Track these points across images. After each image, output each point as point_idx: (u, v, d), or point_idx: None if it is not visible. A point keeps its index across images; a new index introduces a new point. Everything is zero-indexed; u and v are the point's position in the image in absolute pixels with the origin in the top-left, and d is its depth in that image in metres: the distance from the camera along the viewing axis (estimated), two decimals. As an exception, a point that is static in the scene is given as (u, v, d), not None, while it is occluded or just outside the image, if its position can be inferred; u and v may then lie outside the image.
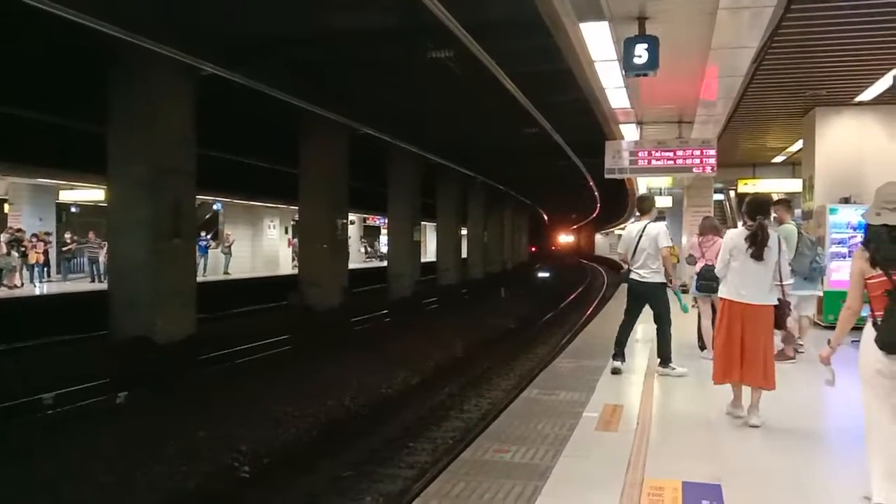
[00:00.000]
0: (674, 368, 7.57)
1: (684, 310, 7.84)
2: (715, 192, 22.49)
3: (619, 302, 18.16)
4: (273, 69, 13.80)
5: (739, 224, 7.11)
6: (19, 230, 20.31)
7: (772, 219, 8.56)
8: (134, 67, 11.78)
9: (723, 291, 5.84)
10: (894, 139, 11.52)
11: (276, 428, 9.19)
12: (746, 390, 5.75)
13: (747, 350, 5.56)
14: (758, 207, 5.85)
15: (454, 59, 12.26)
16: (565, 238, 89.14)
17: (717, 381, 5.81)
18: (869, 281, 3.80)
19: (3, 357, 13.27)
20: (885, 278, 3.71)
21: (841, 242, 10.90)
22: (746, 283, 5.65)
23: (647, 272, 7.50)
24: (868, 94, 10.71)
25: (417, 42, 12.03)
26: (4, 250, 18.82)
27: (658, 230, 7.50)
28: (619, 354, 7.81)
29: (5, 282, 18.72)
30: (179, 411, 9.68)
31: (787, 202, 9.13)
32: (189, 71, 12.22)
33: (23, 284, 19.17)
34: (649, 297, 7.61)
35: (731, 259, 5.74)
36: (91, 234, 21.68)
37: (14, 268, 19.04)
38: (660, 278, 7.52)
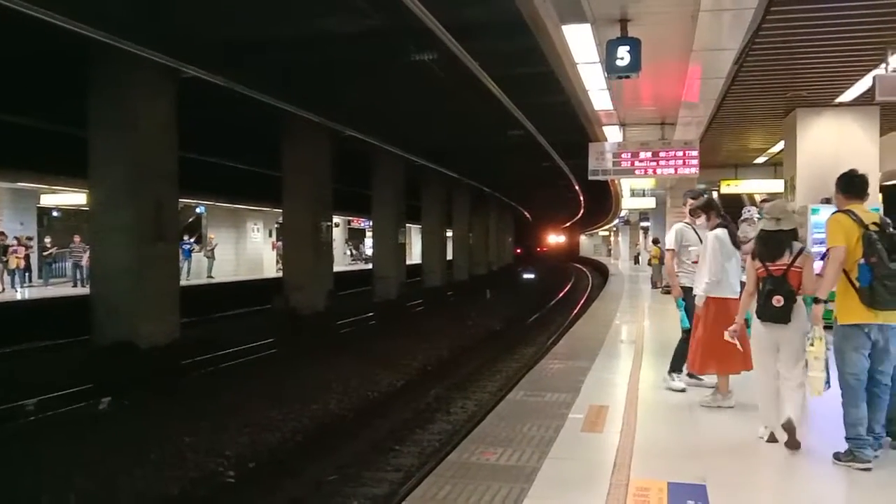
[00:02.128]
0: (673, 379, 6.95)
1: (683, 324, 6.92)
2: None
3: (604, 303, 18.25)
4: (255, 72, 13.75)
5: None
6: (1, 234, 20.10)
7: (755, 219, 8.65)
8: (114, 70, 11.70)
9: (717, 291, 6.10)
10: (874, 140, 11.62)
11: (261, 432, 9.13)
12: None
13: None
14: (719, 206, 6.59)
15: (437, 61, 12.27)
16: (550, 239, 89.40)
17: (701, 372, 6.50)
18: (756, 269, 5.02)
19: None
20: (762, 268, 4.96)
21: (822, 242, 10.97)
22: (735, 279, 6.17)
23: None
24: (848, 96, 10.79)
25: (400, 45, 12.02)
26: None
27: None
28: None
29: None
30: (163, 416, 9.60)
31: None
32: (170, 73, 12.15)
33: (3, 290, 18.97)
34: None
35: (723, 262, 6.13)
36: (76, 238, 21.39)
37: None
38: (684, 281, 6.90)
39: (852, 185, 4.85)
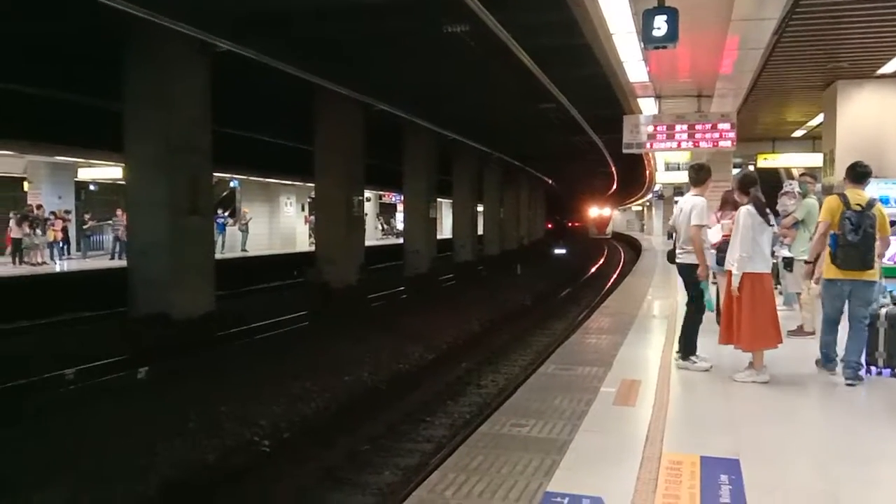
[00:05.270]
0: (694, 362, 6.71)
1: (709, 307, 6.94)
2: (734, 166, 22.29)
3: (637, 278, 18.13)
4: (288, 45, 13.74)
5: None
6: (39, 206, 20.49)
7: (796, 193, 8.50)
8: (148, 44, 11.78)
9: (751, 266, 6.08)
10: (917, 112, 11.36)
11: (295, 403, 9.26)
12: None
13: (770, 316, 6.13)
14: (751, 182, 6.67)
15: (470, 33, 12.14)
16: (582, 214, 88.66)
17: (738, 346, 6.35)
18: None
19: (23, 334, 13.48)
20: None
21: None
22: (767, 253, 6.24)
23: (680, 251, 6.83)
24: (890, 67, 10.54)
25: (433, 16, 11.91)
26: (27, 230, 19.02)
27: (692, 204, 6.64)
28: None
29: (27, 259, 18.94)
30: (199, 386, 9.77)
31: (813, 176, 9.19)
32: (204, 47, 12.19)
33: (44, 262, 19.36)
34: (682, 278, 6.99)
35: (754, 236, 6.10)
36: (118, 212, 21.58)
37: (37, 245, 19.26)
38: (692, 259, 6.66)
39: (856, 174, 6.20)
